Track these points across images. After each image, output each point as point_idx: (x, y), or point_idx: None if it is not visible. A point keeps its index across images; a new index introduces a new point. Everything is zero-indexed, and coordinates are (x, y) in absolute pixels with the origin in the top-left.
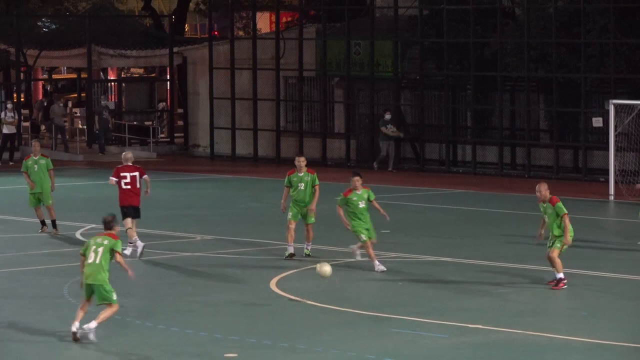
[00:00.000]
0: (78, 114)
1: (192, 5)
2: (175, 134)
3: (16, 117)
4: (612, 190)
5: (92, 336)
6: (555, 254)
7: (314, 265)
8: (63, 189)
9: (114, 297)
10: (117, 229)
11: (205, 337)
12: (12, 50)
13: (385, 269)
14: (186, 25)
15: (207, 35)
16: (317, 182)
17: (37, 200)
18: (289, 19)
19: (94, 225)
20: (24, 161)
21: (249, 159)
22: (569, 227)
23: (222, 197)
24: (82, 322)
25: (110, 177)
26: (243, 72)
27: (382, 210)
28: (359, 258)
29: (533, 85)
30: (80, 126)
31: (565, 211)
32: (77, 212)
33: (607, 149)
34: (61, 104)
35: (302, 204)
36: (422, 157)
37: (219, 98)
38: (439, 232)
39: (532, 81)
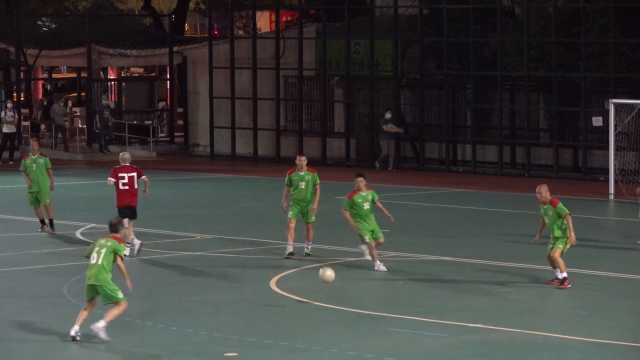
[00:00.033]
0: (78, 113)
1: (192, 4)
2: (175, 133)
3: (16, 116)
4: (612, 190)
5: (103, 335)
6: (557, 254)
7: (314, 265)
8: (63, 188)
9: (120, 295)
10: (123, 232)
11: (205, 336)
12: (12, 49)
13: (385, 270)
14: (186, 25)
15: (207, 35)
16: (317, 181)
17: (36, 199)
18: (289, 18)
19: (93, 225)
20: (22, 160)
21: (248, 158)
22: (571, 226)
23: (222, 196)
24: (85, 326)
25: (109, 178)
26: (243, 71)
27: (386, 212)
28: (368, 257)
29: (533, 85)
30: (80, 125)
31: (567, 212)
32: (76, 212)
33: (607, 148)
34: (62, 104)
35: (302, 203)
36: (422, 157)
37: (219, 97)
38: (438, 231)
39: (532, 80)
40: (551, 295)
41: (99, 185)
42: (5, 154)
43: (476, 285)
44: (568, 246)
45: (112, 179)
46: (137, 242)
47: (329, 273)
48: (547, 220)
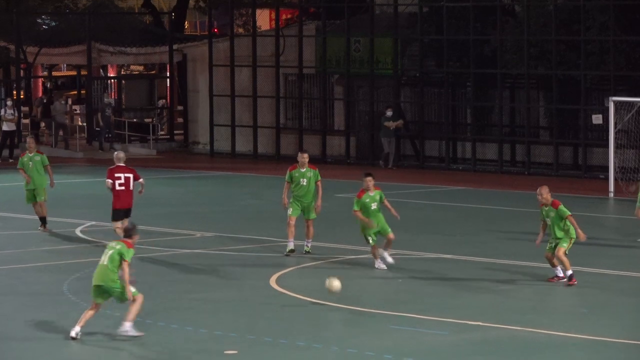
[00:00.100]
0: (78, 111)
1: (191, 2)
2: (175, 131)
3: (16, 114)
4: (612, 188)
5: (134, 333)
6: (562, 252)
7: (314, 263)
8: (63, 186)
9: (133, 289)
10: (136, 238)
11: (205, 334)
12: (12, 47)
13: (385, 268)
14: (186, 23)
15: (206, 33)
16: (319, 177)
17: (33, 196)
18: (289, 16)
19: (93, 223)
20: (20, 158)
21: (248, 156)
22: (576, 224)
23: (222, 194)
24: (87, 326)
25: (107, 180)
26: (243, 69)
27: (393, 211)
28: (390, 260)
29: (533, 83)
30: (80, 123)
31: (569, 212)
32: (76, 210)
33: (606, 146)
34: (63, 102)
35: (303, 200)
36: (422, 154)
37: (219, 95)
38: (439, 229)
39: (532, 78)
40: (552, 292)
41: (99, 183)
42: (5, 152)
43: (476, 283)
44: (571, 244)
45: (110, 181)
46: None
47: (335, 283)
48: (548, 222)
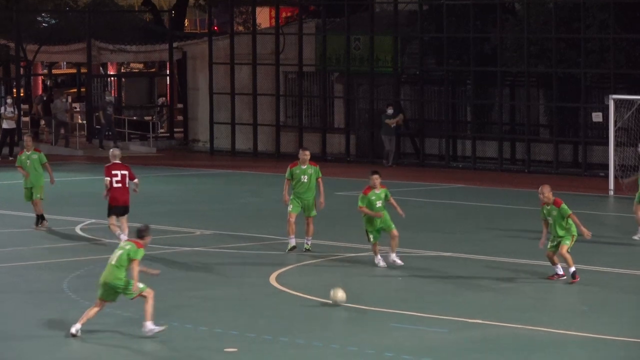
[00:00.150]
0: (78, 109)
1: (191, 0)
2: (175, 129)
3: (16, 112)
4: (612, 186)
5: (157, 329)
6: (565, 249)
7: (314, 261)
8: (63, 184)
9: (140, 285)
10: (149, 239)
11: (205, 331)
12: (12, 45)
13: (385, 266)
14: (186, 21)
15: (206, 31)
16: (320, 174)
17: (31, 194)
18: (289, 14)
19: (93, 220)
20: (18, 156)
21: (248, 154)
22: (579, 222)
23: (222, 192)
24: (89, 324)
25: (105, 178)
26: (243, 67)
27: (398, 209)
28: (399, 262)
29: (533, 81)
30: (80, 121)
31: (570, 211)
32: (77, 207)
33: (606, 144)
34: (64, 100)
35: (303, 197)
36: (421, 152)
37: (219, 93)
38: (438, 227)
39: (532, 76)
40: (551, 290)
41: (99, 181)
42: (5, 150)
43: (476, 281)
44: (574, 242)
45: (108, 178)
46: (123, 238)
47: (340, 294)
48: (550, 221)
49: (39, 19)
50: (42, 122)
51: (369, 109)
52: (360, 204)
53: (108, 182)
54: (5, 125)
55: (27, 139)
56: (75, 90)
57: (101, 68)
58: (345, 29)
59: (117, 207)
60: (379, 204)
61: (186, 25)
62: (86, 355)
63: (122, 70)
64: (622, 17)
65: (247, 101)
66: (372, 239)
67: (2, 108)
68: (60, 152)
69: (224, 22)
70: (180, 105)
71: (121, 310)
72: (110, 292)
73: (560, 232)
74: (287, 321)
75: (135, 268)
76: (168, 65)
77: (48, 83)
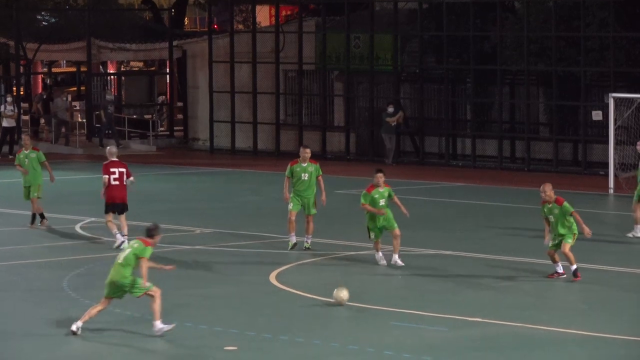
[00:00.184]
0: (77, 108)
1: None
2: (175, 128)
3: (16, 110)
4: (611, 184)
5: (167, 328)
6: (567, 248)
7: (314, 259)
8: (63, 182)
9: (146, 284)
10: (158, 238)
11: (205, 330)
12: (12, 43)
13: (385, 264)
14: (186, 19)
15: (206, 29)
16: (320, 172)
17: (30, 193)
18: (289, 12)
19: (93, 219)
20: (16, 155)
21: (248, 153)
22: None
23: (222, 190)
24: (91, 322)
25: (103, 176)
26: (243, 65)
27: (403, 208)
28: (400, 263)
29: (533, 79)
30: (79, 120)
31: (573, 209)
32: (76, 206)
33: (606, 142)
34: (64, 98)
35: (304, 195)
36: (421, 151)
37: (219, 91)
38: (438, 225)
39: (531, 75)
40: (551, 289)
41: (99, 179)
42: (5, 148)
43: (476, 279)
44: (575, 239)
45: (106, 176)
46: (119, 238)
47: (343, 294)
48: (552, 219)
49: (39, 17)
50: (42, 120)
51: (369, 107)
52: (362, 201)
53: (106, 179)
54: (5, 124)
55: (25, 138)
56: (75, 88)
57: (101, 66)
58: (345, 27)
59: (115, 204)
60: (382, 202)
61: (186, 23)
62: (86, 353)
63: (122, 69)
64: (622, 16)
65: (247, 99)
66: (373, 237)
67: (2, 106)
68: (60, 151)
69: (224, 21)
70: (180, 104)
71: (121, 308)
72: (117, 290)
73: (562, 231)
74: (287, 319)
75: (144, 266)
76: (168, 64)
77: (48, 81)
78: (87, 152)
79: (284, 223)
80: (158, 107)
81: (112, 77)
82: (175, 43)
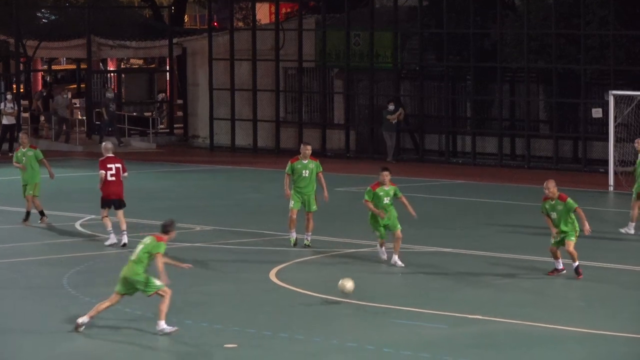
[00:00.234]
0: (77, 105)
1: None
2: (175, 125)
3: (15, 107)
4: (611, 181)
5: (169, 329)
6: (572, 246)
7: (314, 257)
8: (63, 180)
9: (157, 282)
10: (173, 234)
11: (205, 327)
12: (12, 41)
13: (385, 258)
14: (186, 16)
15: (206, 26)
16: (321, 169)
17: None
18: (289, 10)
19: (93, 216)
20: (14, 152)
21: (248, 150)
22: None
23: (222, 187)
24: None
25: (100, 171)
26: (242, 63)
27: (409, 208)
28: (400, 264)
29: (533, 76)
30: (79, 117)
31: (576, 205)
32: (76, 203)
33: (606, 139)
34: (65, 95)
35: (304, 192)
36: (421, 148)
37: (219, 89)
38: (438, 222)
39: (531, 72)
40: (551, 286)
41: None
42: (5, 146)
43: (476, 277)
44: (577, 237)
45: (103, 172)
46: (111, 238)
47: (349, 285)
48: (554, 216)
49: (39, 14)
50: (42, 118)
51: (368, 104)
52: (366, 197)
53: (103, 175)
54: (5, 121)
55: (22, 136)
56: (75, 86)
57: (101, 64)
58: (345, 24)
59: (110, 200)
60: (386, 200)
61: (186, 21)
62: (86, 350)
63: (122, 66)
64: (622, 14)
65: (247, 97)
66: (378, 236)
67: (2, 104)
68: (60, 148)
69: (224, 18)
70: (180, 101)
71: (120, 306)
72: (129, 287)
73: (565, 228)
74: (287, 317)
75: (160, 262)
76: (168, 61)
77: (48, 79)
78: (87, 150)
79: (284, 220)
80: (158, 104)
81: (112, 74)
82: (175, 40)
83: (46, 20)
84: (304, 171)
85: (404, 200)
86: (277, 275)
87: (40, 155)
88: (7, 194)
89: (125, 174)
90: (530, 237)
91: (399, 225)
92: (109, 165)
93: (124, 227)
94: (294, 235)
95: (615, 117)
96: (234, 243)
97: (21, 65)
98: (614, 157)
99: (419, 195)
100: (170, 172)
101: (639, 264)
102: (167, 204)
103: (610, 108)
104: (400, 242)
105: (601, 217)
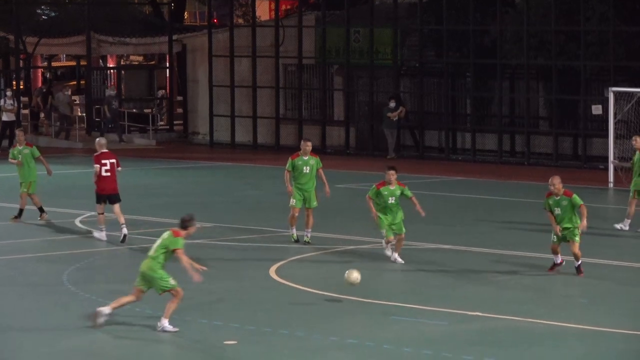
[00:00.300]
0: (77, 102)
1: None
2: (175, 122)
3: (15, 104)
4: (611, 178)
5: (170, 328)
6: (577, 248)
7: (314, 253)
8: (63, 176)
9: (171, 282)
10: (192, 229)
11: (205, 324)
12: (12, 37)
13: (390, 253)
14: (185, 13)
15: (206, 23)
16: (320, 165)
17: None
18: (289, 6)
19: (93, 213)
20: (10, 150)
21: (248, 147)
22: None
23: (222, 184)
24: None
25: (95, 165)
26: (242, 59)
27: (418, 206)
28: (400, 261)
29: (532, 73)
30: (79, 114)
31: (582, 202)
32: (76, 200)
33: (606, 136)
34: (66, 92)
35: (305, 188)
36: (421, 145)
37: (219, 86)
38: (438, 219)
39: (531, 69)
40: (551, 283)
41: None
42: (5, 142)
43: (476, 274)
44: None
45: (98, 166)
46: (97, 234)
47: (354, 275)
48: (558, 212)
49: (39, 11)
50: (42, 114)
51: (368, 101)
52: (369, 194)
53: (98, 168)
54: (4, 118)
55: (19, 134)
56: (75, 82)
57: (101, 60)
58: (345, 21)
59: (105, 195)
60: (391, 200)
61: (186, 17)
62: (86, 347)
63: (122, 63)
64: (621, 10)
65: (247, 94)
66: (384, 234)
67: (2, 100)
68: (59, 145)
69: (224, 15)
70: (180, 98)
71: (132, 304)
72: (146, 282)
73: (568, 224)
74: (287, 314)
75: (182, 257)
76: (168, 58)
77: (48, 75)
78: (87, 147)
79: (283, 217)
80: (158, 101)
81: (112, 71)
82: (175, 37)
83: (46, 17)
84: (304, 167)
85: (414, 200)
86: (277, 272)
87: (37, 153)
88: (6, 191)
89: (119, 168)
90: (530, 234)
91: (404, 230)
92: (103, 161)
93: (122, 220)
94: (294, 232)
95: (615, 114)
96: (234, 240)
97: (21, 62)
98: (614, 153)
99: (419, 192)
100: (169, 169)
101: (635, 260)
102: (166, 201)
103: (610, 105)
104: (402, 242)
105: (601, 214)
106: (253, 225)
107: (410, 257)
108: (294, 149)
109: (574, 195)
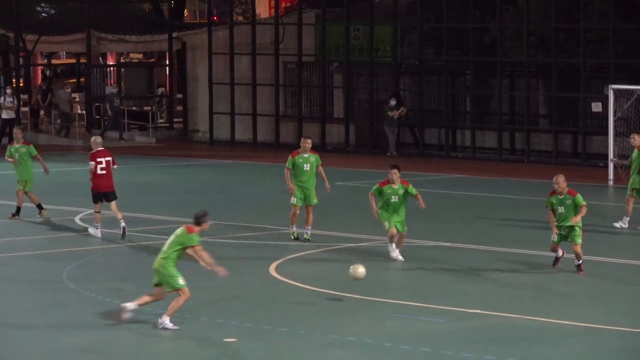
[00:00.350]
0: (77, 99)
1: None
2: (175, 119)
3: (15, 102)
4: (611, 175)
5: (171, 326)
6: (579, 249)
7: (314, 251)
8: (62, 174)
9: (180, 282)
10: (206, 225)
11: (205, 322)
12: (11, 35)
13: (395, 255)
14: (185, 11)
15: (206, 21)
16: (320, 162)
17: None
18: (288, 4)
19: (93, 211)
20: (8, 147)
21: (248, 144)
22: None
23: (221, 182)
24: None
25: (90, 163)
26: (242, 57)
27: (421, 201)
28: (400, 258)
29: (532, 71)
30: (79, 111)
31: (585, 202)
32: (76, 198)
33: (606, 134)
34: (67, 90)
35: (305, 186)
36: (421, 142)
37: (218, 83)
38: (438, 217)
39: (531, 66)
40: (550, 281)
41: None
42: (5, 140)
43: (475, 271)
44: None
45: (93, 163)
46: (91, 231)
47: (360, 270)
48: (561, 210)
49: (39, 9)
50: (42, 112)
51: (368, 99)
52: (372, 191)
53: (93, 165)
54: (4, 115)
55: (16, 132)
56: (75, 80)
57: (100, 58)
58: (345, 18)
59: (102, 193)
60: (394, 198)
61: (185, 15)
62: (86, 344)
63: (122, 61)
64: (621, 7)
65: (247, 91)
66: (386, 227)
67: (2, 98)
68: (59, 142)
69: (224, 12)
70: (179, 96)
71: (119, 300)
72: (159, 278)
73: (570, 223)
74: (287, 311)
75: (201, 253)
76: (167, 56)
77: (47, 73)
78: (87, 144)
79: (284, 215)
80: (158, 98)
81: (111, 68)
82: (174, 35)
83: (46, 14)
84: (305, 165)
85: (420, 197)
86: (277, 269)
87: (34, 152)
88: (5, 188)
89: (115, 166)
90: (530, 232)
91: (405, 228)
92: (99, 159)
93: (119, 215)
94: (294, 230)
95: (614, 111)
96: (234, 237)
97: (21, 59)
98: (614, 151)
99: (419, 190)
100: (169, 167)
101: (633, 258)
102: (166, 198)
103: (610, 102)
104: (403, 240)
105: (600, 212)
106: (253, 223)
107: (410, 255)
108: (294, 147)
109: (578, 195)
